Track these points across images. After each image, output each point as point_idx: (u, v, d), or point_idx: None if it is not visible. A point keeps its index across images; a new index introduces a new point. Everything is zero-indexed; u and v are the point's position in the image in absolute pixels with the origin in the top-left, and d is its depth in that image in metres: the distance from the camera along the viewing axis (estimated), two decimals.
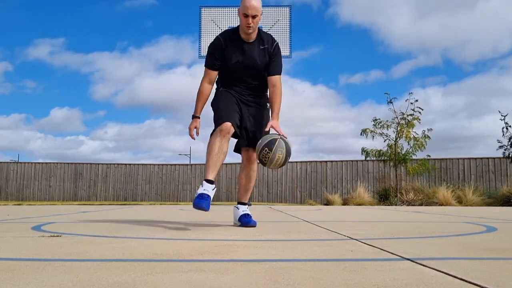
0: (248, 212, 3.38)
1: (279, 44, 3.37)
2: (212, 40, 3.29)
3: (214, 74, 3.30)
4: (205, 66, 3.29)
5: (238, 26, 3.24)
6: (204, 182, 3.02)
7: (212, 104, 3.32)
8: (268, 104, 3.36)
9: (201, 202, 2.88)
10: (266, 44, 3.23)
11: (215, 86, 3.41)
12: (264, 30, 3.37)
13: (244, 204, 3.43)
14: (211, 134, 3.15)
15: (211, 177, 3.02)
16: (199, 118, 3.30)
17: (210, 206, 2.98)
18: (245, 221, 3.29)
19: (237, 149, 3.39)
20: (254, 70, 3.24)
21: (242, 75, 3.26)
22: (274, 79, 3.25)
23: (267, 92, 3.37)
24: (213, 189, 3.00)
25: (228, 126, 3.07)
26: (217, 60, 3.24)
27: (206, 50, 3.35)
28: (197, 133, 3.28)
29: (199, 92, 3.28)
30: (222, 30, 3.22)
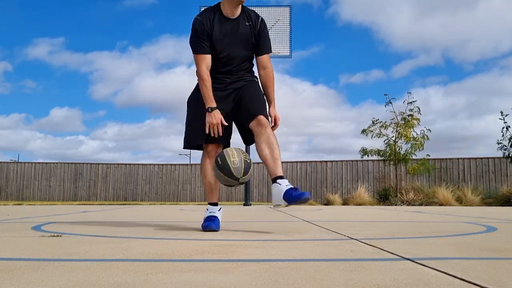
0: (292, 186, 2.67)
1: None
2: (193, 22, 2.91)
3: (209, 58, 2.89)
4: (196, 53, 2.87)
5: (218, 3, 2.93)
6: (208, 205, 2.98)
7: (188, 102, 3.02)
8: (257, 79, 3.02)
9: (210, 224, 2.83)
10: (251, 20, 2.93)
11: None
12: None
13: (282, 177, 2.70)
14: (202, 156, 3.00)
15: (214, 199, 3.00)
16: (217, 108, 2.83)
17: (220, 224, 2.93)
18: (295, 194, 2.56)
19: (247, 141, 3.00)
20: (241, 49, 2.92)
21: (229, 57, 2.91)
22: (264, 59, 2.94)
23: (252, 66, 3.05)
24: (219, 210, 2.97)
25: (213, 148, 2.92)
26: (206, 41, 2.87)
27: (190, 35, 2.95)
28: (223, 127, 2.83)
29: (204, 80, 2.83)
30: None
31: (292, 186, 2.63)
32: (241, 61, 2.96)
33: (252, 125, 2.82)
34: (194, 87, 3.05)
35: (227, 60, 2.92)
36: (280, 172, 2.73)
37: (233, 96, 2.94)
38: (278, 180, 2.69)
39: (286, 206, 2.62)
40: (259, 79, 3.04)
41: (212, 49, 2.89)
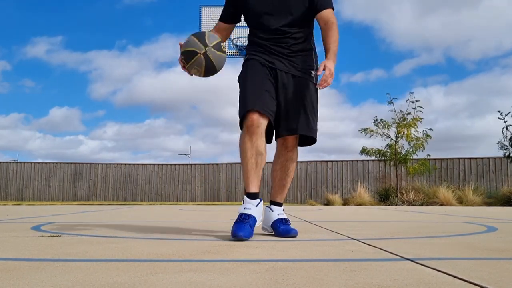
0: (285, 216, 2.57)
1: None
2: None
3: (222, 27, 2.64)
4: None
5: None
6: (245, 197, 2.35)
7: (238, 79, 2.56)
8: (313, 72, 2.53)
9: (238, 229, 2.20)
10: None
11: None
12: None
13: (279, 204, 2.61)
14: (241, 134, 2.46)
15: (253, 189, 2.34)
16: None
17: (253, 231, 2.30)
18: (283, 229, 2.45)
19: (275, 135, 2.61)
20: (289, 7, 2.47)
21: (273, 19, 2.46)
22: (324, 14, 2.43)
23: (312, 50, 2.60)
24: (257, 205, 2.35)
25: (254, 119, 2.32)
26: (230, 7, 2.60)
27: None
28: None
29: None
30: None
31: (284, 217, 2.54)
32: (290, 25, 2.48)
33: (279, 141, 2.59)
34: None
35: (271, 24, 2.47)
36: (280, 199, 2.63)
37: (282, 82, 2.48)
38: (272, 206, 2.60)
39: (271, 233, 2.57)
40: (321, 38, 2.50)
41: (252, 11, 2.51)
